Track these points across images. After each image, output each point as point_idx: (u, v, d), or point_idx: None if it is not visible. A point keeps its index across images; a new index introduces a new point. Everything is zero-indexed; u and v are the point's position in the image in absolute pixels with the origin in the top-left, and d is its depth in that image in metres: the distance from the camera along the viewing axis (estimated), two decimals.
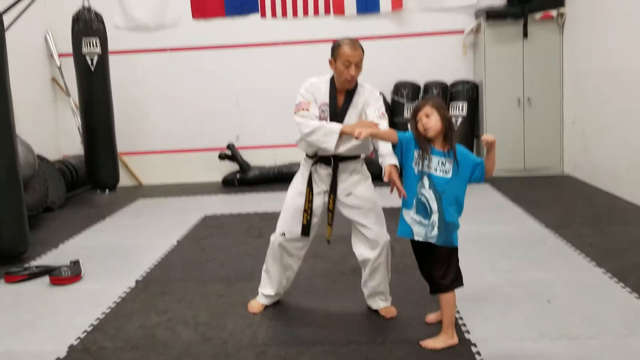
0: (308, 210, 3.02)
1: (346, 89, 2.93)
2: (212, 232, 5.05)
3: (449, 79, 7.01)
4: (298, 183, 3.10)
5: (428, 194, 2.66)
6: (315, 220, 3.05)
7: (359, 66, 2.87)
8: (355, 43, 2.87)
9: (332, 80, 2.96)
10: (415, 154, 2.69)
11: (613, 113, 5.61)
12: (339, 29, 6.92)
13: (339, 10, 7.06)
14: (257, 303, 3.28)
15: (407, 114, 6.88)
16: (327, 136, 2.83)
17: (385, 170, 2.69)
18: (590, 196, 5.67)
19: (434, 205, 2.65)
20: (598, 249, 4.00)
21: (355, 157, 2.99)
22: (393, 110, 6.95)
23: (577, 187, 6.08)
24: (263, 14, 7.14)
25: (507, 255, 3.99)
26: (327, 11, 7.07)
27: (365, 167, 3.08)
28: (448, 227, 2.66)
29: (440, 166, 2.64)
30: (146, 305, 3.43)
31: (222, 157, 7.14)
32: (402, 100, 6.91)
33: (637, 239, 4.22)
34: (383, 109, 2.94)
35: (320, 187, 3.03)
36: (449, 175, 2.63)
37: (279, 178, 6.88)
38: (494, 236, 4.44)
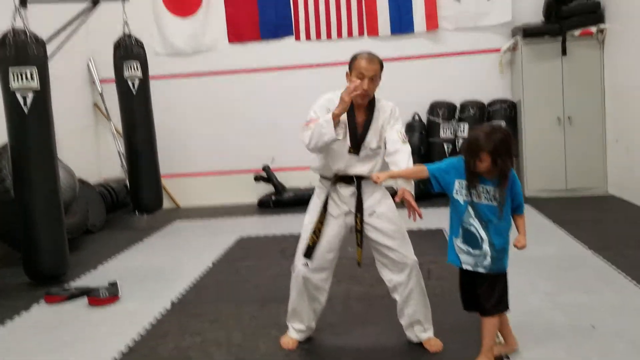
0: (317, 231, 2.88)
1: (360, 104, 2.83)
2: (247, 253, 5.06)
3: (486, 98, 6.92)
4: (315, 206, 2.97)
5: (475, 223, 2.58)
6: (327, 247, 2.89)
7: (373, 80, 2.78)
8: (372, 56, 2.82)
9: None
10: (457, 184, 2.60)
11: None
12: (374, 49, 6.76)
13: (373, 31, 7.08)
14: (290, 339, 3.09)
15: (442, 133, 6.82)
16: (324, 128, 2.71)
17: (398, 192, 2.62)
18: (635, 217, 5.48)
19: (483, 234, 2.57)
20: None
21: None
22: (429, 130, 6.89)
23: (622, 208, 5.88)
24: (298, 37, 7.22)
25: (549, 277, 3.87)
26: (361, 32, 7.10)
27: (384, 185, 2.95)
28: (499, 253, 2.58)
29: (485, 194, 2.55)
30: (180, 326, 3.44)
31: (257, 179, 7.18)
32: (438, 120, 6.84)
33: None
34: (403, 130, 2.88)
35: (342, 208, 2.89)
36: (495, 202, 2.54)
37: None
38: (535, 257, 4.28)
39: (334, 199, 2.91)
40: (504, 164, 2.50)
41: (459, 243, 2.64)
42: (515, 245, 2.63)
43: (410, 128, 6.79)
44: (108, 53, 6.16)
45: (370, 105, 2.88)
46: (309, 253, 2.90)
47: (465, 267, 2.64)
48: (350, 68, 2.84)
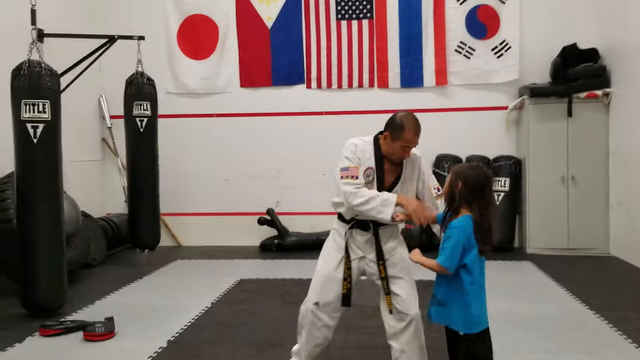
0: (348, 278, 2.89)
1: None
2: (247, 296, 5.02)
3: (491, 154, 6.99)
4: (331, 249, 2.99)
5: None
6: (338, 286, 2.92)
7: None
8: (418, 128, 2.78)
9: (377, 142, 2.88)
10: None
11: None
12: (383, 101, 7.07)
13: (383, 84, 7.22)
14: None
15: None
16: (384, 207, 2.71)
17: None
18: (636, 279, 5.44)
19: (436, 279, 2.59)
20: None
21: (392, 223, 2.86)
22: None
23: (624, 269, 5.85)
24: (309, 85, 7.35)
25: (548, 336, 3.82)
26: (371, 84, 7.24)
27: (400, 233, 3.01)
28: (441, 305, 2.49)
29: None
30: None
31: (261, 222, 7.18)
32: (444, 173, 6.89)
33: None
34: (436, 181, 2.92)
35: (356, 253, 2.92)
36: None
37: (317, 245, 6.79)
38: (535, 316, 4.27)
39: (350, 243, 2.93)
40: (455, 189, 2.45)
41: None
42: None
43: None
44: (120, 89, 6.29)
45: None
46: (346, 301, 2.91)
47: (431, 321, 2.61)
48: (392, 132, 2.78)
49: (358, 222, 2.90)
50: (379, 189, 2.82)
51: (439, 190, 2.83)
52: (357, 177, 2.79)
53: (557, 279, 5.36)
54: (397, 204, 2.73)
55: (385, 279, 2.85)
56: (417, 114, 2.88)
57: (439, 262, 2.46)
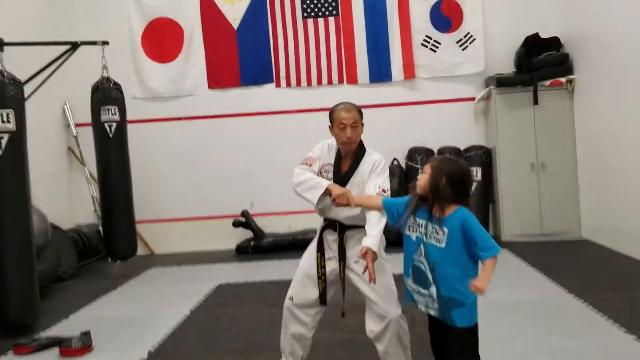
0: (322, 277, 2.94)
1: (349, 152, 2.93)
2: (226, 301, 4.94)
3: (462, 145, 7.04)
4: (311, 247, 3.07)
5: (424, 263, 2.44)
6: (329, 287, 2.97)
7: (355, 128, 2.87)
8: (348, 105, 2.93)
9: None
10: (411, 219, 2.52)
11: (629, 176, 5.56)
12: (353, 97, 6.81)
13: (352, 79, 7.20)
14: None
15: None
16: (314, 189, 2.84)
17: (362, 249, 2.62)
18: (611, 260, 5.54)
19: (430, 276, 2.41)
20: (626, 314, 3.85)
21: (362, 227, 2.81)
22: (407, 175, 6.95)
23: (597, 252, 5.95)
24: (278, 84, 7.29)
25: (533, 322, 3.85)
26: (340, 80, 7.21)
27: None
28: (447, 302, 2.36)
29: (434, 234, 2.40)
30: None
31: (236, 224, 7.09)
32: (416, 165, 6.92)
33: None
34: (386, 184, 2.85)
35: (329, 253, 2.98)
36: (442, 245, 2.37)
37: (294, 245, 6.80)
38: (516, 302, 4.31)
39: (324, 243, 3.00)
40: (440, 185, 2.37)
41: (410, 282, 2.53)
42: (471, 287, 2.31)
43: (389, 173, 6.83)
44: (84, 96, 6.12)
45: (358, 155, 2.95)
46: (323, 299, 2.97)
47: (420, 307, 2.52)
48: (331, 120, 2.95)
49: (330, 222, 2.96)
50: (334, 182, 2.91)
51: (383, 192, 2.79)
52: (310, 165, 2.94)
53: (533, 265, 5.42)
54: (326, 191, 2.80)
55: (342, 279, 2.92)
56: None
57: (492, 255, 2.30)
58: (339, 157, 2.96)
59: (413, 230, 2.50)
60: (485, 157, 6.93)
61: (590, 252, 5.97)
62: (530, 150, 6.73)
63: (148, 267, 6.49)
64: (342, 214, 2.90)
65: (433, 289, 2.41)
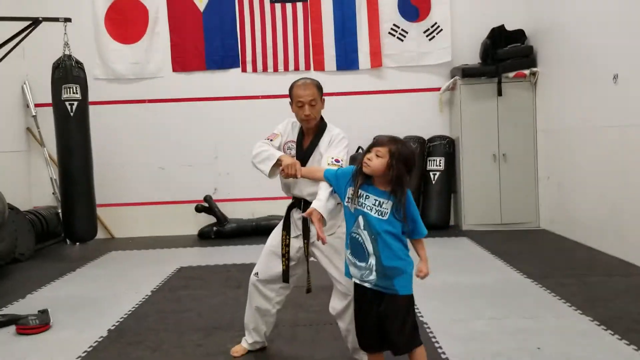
0: (286, 254, 2.96)
1: (309, 128, 2.94)
2: (188, 283, 4.88)
3: (426, 134, 7.11)
4: (278, 226, 3.08)
5: (364, 235, 2.43)
6: (292, 264, 2.98)
7: (313, 105, 2.86)
8: (306, 83, 2.92)
9: None
10: (350, 191, 2.49)
11: (587, 168, 5.71)
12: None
13: (320, 67, 7.19)
14: (240, 346, 3.21)
15: None
16: (268, 159, 2.84)
17: (308, 210, 2.59)
18: (568, 249, 5.69)
19: (370, 247, 2.42)
20: (582, 298, 3.97)
21: None
22: None
23: (555, 241, 6.11)
24: (244, 69, 7.23)
25: (492, 304, 3.93)
26: (307, 67, 7.18)
27: (338, 216, 2.92)
28: (388, 271, 2.40)
29: (376, 206, 2.41)
30: (119, 355, 3.26)
31: (198, 209, 7.01)
32: None
33: (620, 288, 4.20)
34: (342, 154, 2.82)
35: (296, 231, 2.99)
36: (385, 217, 2.40)
37: (257, 231, 6.78)
38: (477, 285, 4.39)
39: (290, 221, 3.01)
40: (399, 171, 2.39)
41: (348, 255, 2.52)
42: (417, 276, 2.46)
43: (354, 160, 6.84)
44: (45, 76, 5.97)
45: (320, 131, 2.95)
46: (285, 277, 2.98)
47: (354, 280, 2.51)
48: (290, 97, 2.95)
49: (296, 200, 2.97)
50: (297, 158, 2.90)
51: (336, 162, 2.76)
52: (272, 140, 2.96)
53: (494, 252, 5.52)
54: (278, 161, 2.82)
55: (307, 257, 2.92)
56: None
57: (424, 235, 2.51)
58: (301, 133, 2.98)
59: (352, 202, 2.47)
60: (448, 147, 7.02)
61: (548, 241, 6.12)
62: (493, 141, 6.85)
63: (108, 250, 6.37)
64: (306, 190, 2.89)
65: (372, 260, 2.42)
